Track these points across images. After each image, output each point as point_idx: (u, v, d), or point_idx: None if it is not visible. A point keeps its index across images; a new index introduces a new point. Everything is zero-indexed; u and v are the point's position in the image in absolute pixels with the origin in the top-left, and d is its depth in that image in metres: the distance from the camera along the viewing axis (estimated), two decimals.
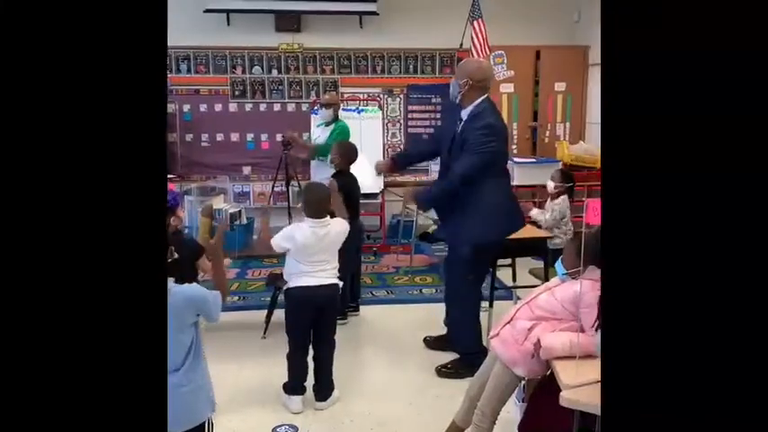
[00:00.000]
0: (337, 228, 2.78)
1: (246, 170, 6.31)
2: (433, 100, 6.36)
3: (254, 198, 6.30)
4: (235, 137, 6.23)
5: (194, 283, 1.82)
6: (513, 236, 3.24)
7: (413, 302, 4.38)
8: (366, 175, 5.80)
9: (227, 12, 5.90)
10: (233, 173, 6.27)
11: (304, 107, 6.22)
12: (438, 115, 6.36)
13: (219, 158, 6.19)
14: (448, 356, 3.31)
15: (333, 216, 2.94)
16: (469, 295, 3.19)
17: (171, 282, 1.74)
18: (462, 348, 3.20)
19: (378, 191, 5.80)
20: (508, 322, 2.24)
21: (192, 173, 6.16)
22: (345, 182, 3.71)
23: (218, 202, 3.66)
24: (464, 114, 3.05)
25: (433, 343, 3.54)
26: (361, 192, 5.63)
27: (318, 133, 4.64)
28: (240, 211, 3.72)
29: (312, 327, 2.77)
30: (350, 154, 3.82)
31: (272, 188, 5.91)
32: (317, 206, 2.73)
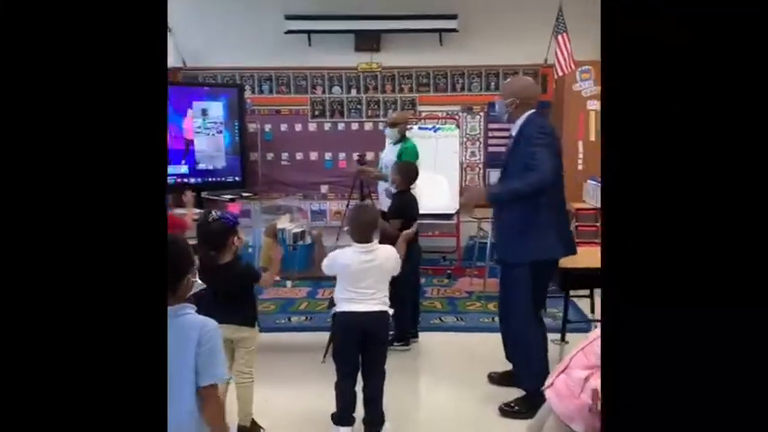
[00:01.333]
0: (385, 254, 2.66)
1: (324, 189, 6.35)
2: None
3: (331, 216, 6.32)
4: (313, 156, 6.30)
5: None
6: (587, 263, 3.02)
7: (483, 331, 4.14)
8: (441, 194, 5.70)
9: (309, 33, 5.99)
10: (311, 191, 6.33)
11: (381, 126, 6.18)
12: None
13: (298, 177, 6.28)
14: (514, 393, 3.07)
15: (391, 238, 2.84)
16: (529, 325, 2.95)
17: (193, 310, 1.66)
18: (526, 386, 2.96)
19: (453, 211, 5.64)
20: (563, 371, 2.01)
21: (271, 191, 6.28)
22: (403, 201, 3.66)
23: (283, 222, 3.64)
24: (514, 130, 3.00)
25: (498, 379, 3.31)
26: (437, 213, 5.62)
27: (387, 152, 4.56)
28: (303, 231, 3.68)
29: (360, 355, 2.66)
30: (410, 174, 3.74)
31: (347, 206, 5.92)
32: (361, 230, 2.63)
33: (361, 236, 2.64)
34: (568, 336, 3.51)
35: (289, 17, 5.86)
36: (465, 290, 5.12)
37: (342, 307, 2.64)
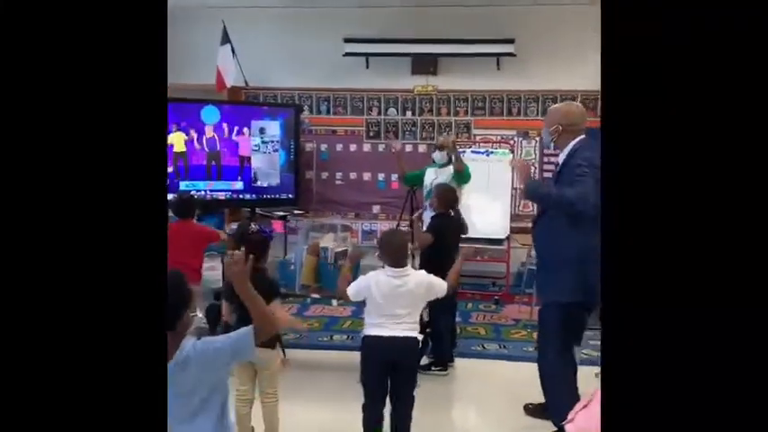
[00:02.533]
0: (416, 279, 2.65)
1: (376, 209, 6.40)
2: None
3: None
4: (367, 176, 6.37)
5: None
6: None
7: (526, 360, 4.02)
8: (492, 218, 5.63)
9: (367, 55, 6.10)
10: (363, 211, 6.39)
11: (425, 148, 6.19)
12: None
13: (351, 196, 6.36)
14: (550, 426, 2.97)
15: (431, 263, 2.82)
16: (556, 364, 2.86)
17: (193, 339, 1.64)
18: (554, 421, 2.86)
19: (503, 236, 5.55)
20: (585, 406, 1.93)
21: (325, 209, 6.39)
22: (440, 224, 3.66)
23: (327, 241, 3.69)
24: (561, 158, 2.90)
25: (534, 411, 3.22)
26: (487, 237, 5.55)
27: (432, 175, 4.57)
28: (346, 251, 3.72)
29: (387, 380, 2.64)
30: (447, 197, 3.75)
31: (397, 227, 5.93)
32: (394, 254, 2.62)
33: (394, 260, 2.63)
34: None
35: (347, 40, 6.00)
36: (512, 317, 5.02)
37: (370, 331, 2.63)
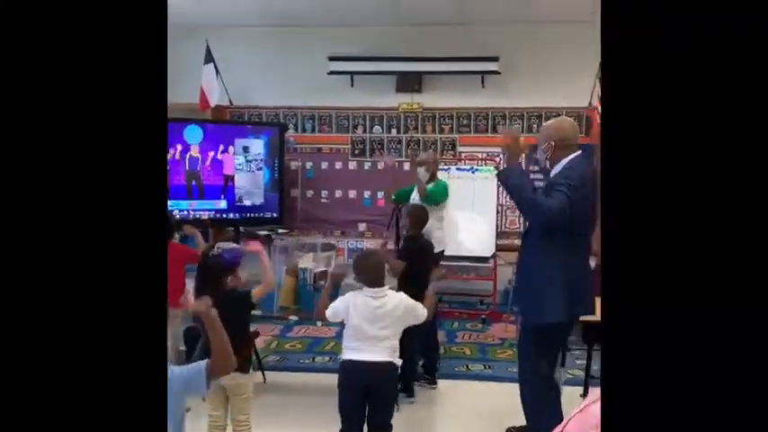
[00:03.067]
0: (395, 300, 2.60)
1: (362, 227, 6.35)
2: None
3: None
4: (352, 194, 6.34)
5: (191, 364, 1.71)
6: None
7: (511, 381, 3.96)
8: (478, 236, 5.59)
9: (351, 74, 6.09)
10: (349, 229, 6.35)
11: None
12: None
13: (337, 214, 6.32)
14: None
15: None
16: (541, 385, 2.80)
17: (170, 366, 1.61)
18: None
19: (489, 254, 5.52)
20: (579, 411, 1.87)
21: (310, 228, 6.34)
22: (411, 247, 3.59)
23: (306, 261, 3.64)
24: (553, 173, 2.76)
25: None
26: (473, 255, 5.51)
27: (415, 193, 4.53)
28: (326, 272, 3.67)
29: (365, 406, 2.57)
30: (418, 218, 3.69)
31: (384, 245, 5.89)
32: (370, 274, 2.58)
33: (371, 280, 2.59)
34: (593, 390, 3.32)
35: (332, 58, 6.00)
36: (498, 336, 4.97)
37: (347, 355, 2.58)
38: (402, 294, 2.69)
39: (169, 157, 5.37)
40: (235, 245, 2.77)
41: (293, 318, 3.55)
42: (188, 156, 5.43)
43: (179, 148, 5.40)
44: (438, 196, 4.16)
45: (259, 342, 4.07)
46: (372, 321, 2.55)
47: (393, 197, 4.71)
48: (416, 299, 2.71)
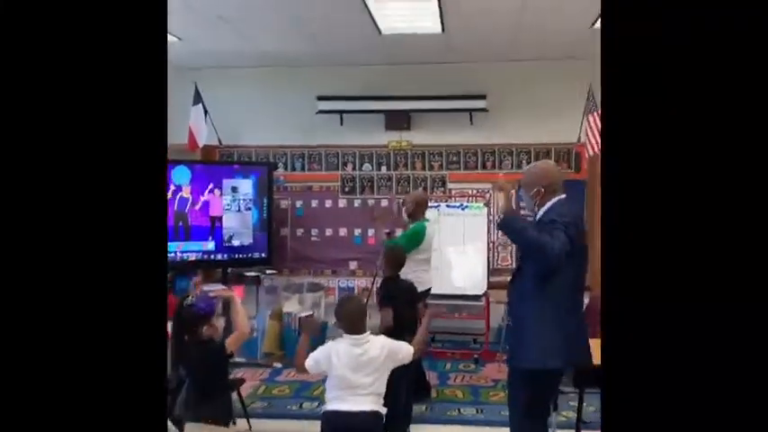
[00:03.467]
0: (378, 345, 2.53)
1: (353, 265, 6.29)
2: None
3: (358, 294, 6.21)
4: (343, 231, 6.29)
5: None
6: None
7: (502, 426, 3.85)
8: (470, 274, 5.53)
9: (340, 113, 6.11)
10: (340, 267, 6.28)
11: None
12: None
13: (327, 253, 6.25)
14: None
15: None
16: (527, 428, 2.71)
17: None
18: None
19: (481, 292, 5.45)
20: None
21: (301, 267, 6.27)
22: (392, 288, 3.52)
23: (291, 305, 3.57)
24: (538, 215, 2.74)
25: None
26: (465, 293, 5.44)
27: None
28: (312, 314, 3.60)
29: None
30: (394, 260, 3.61)
31: (372, 284, 5.82)
32: (351, 320, 2.52)
33: (352, 326, 2.53)
34: None
35: (321, 98, 6.02)
36: (491, 377, 4.86)
37: (330, 405, 2.50)
38: (383, 338, 2.62)
39: None
40: (214, 288, 2.72)
41: (277, 365, 3.46)
42: (178, 196, 5.40)
43: (171, 188, 5.36)
44: (407, 240, 4.09)
45: (246, 388, 3.97)
46: (355, 369, 2.48)
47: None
48: (398, 339, 2.66)
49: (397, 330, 3.00)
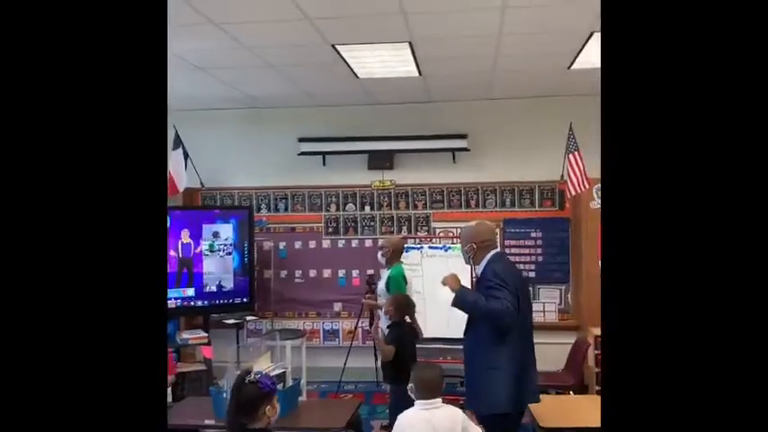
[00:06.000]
0: (449, 413, 2.53)
1: (337, 306, 6.20)
2: (533, 234, 5.93)
3: (343, 337, 6.13)
4: (327, 273, 6.22)
5: None
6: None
7: None
8: (453, 317, 5.43)
9: (323, 154, 6.08)
10: (324, 309, 6.20)
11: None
12: (539, 250, 5.92)
13: (311, 295, 6.18)
14: None
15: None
16: None
17: None
18: None
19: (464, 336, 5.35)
20: None
21: (284, 309, 6.19)
22: (397, 335, 3.74)
23: (262, 363, 3.46)
24: (478, 271, 3.18)
25: None
26: (449, 337, 5.34)
27: (384, 278, 4.49)
28: (285, 373, 3.51)
29: None
30: (402, 307, 3.84)
31: (356, 326, 5.76)
32: (430, 388, 2.55)
33: (430, 393, 2.57)
34: None
35: (302, 139, 6.00)
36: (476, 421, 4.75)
37: None
38: (451, 408, 2.63)
39: None
40: (192, 336, 2.58)
41: None
42: (180, 243, 5.37)
43: None
44: (397, 285, 4.26)
45: None
46: None
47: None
48: (402, 383, 2.85)
49: (402, 365, 3.35)
